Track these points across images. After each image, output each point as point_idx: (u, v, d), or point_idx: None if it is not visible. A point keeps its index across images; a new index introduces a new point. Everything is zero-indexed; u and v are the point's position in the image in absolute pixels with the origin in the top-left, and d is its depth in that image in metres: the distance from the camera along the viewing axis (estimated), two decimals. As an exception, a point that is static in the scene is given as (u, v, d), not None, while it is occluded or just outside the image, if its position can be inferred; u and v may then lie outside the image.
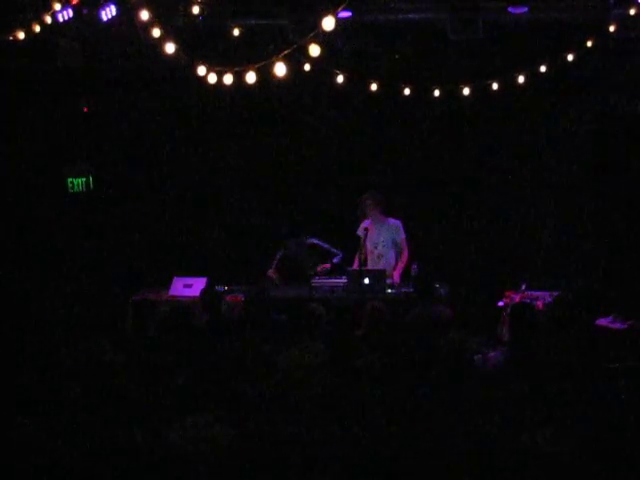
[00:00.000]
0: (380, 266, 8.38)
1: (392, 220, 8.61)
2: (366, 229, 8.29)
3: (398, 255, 8.56)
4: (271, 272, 8.62)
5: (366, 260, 8.23)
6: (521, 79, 8.42)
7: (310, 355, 5.41)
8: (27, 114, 9.71)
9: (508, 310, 7.58)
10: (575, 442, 4.01)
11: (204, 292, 7.38)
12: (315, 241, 8.84)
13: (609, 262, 9.27)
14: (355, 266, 8.44)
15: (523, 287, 8.14)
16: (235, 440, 4.00)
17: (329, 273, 8.68)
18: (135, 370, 5.12)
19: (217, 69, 6.88)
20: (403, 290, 8.08)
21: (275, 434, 4.11)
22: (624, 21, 7.84)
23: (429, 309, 6.86)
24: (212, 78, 6.94)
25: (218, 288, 8.26)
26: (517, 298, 8.02)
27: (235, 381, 4.95)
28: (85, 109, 9.97)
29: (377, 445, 4.04)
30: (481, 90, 8.56)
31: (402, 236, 8.57)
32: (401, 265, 8.52)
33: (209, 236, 10.07)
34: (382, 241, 8.46)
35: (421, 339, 6.19)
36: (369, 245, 8.34)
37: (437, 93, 8.64)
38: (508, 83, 8.46)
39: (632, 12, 7.69)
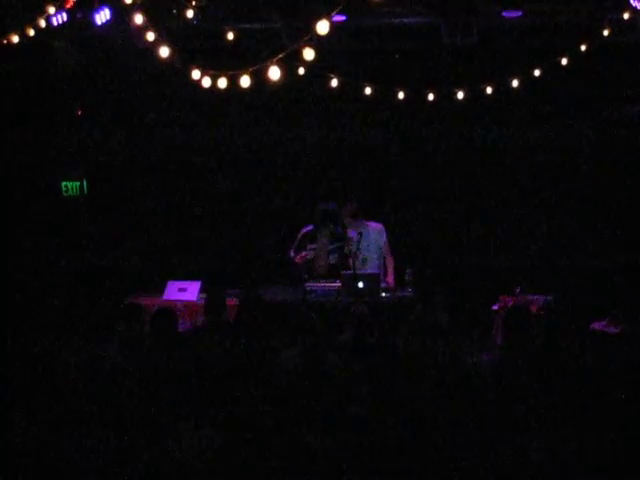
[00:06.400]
0: (366, 270, 8.37)
1: (374, 224, 8.64)
2: (360, 233, 8.30)
3: (382, 259, 8.58)
4: (299, 256, 8.57)
5: (354, 264, 8.21)
6: (515, 83, 8.42)
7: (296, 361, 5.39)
8: (21, 117, 9.69)
9: (502, 313, 7.58)
10: (570, 446, 4.01)
11: (208, 295, 7.28)
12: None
13: (603, 266, 9.29)
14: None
15: (517, 291, 8.14)
16: (229, 446, 3.99)
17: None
18: (127, 375, 5.09)
19: (211, 73, 6.88)
20: (397, 294, 8.09)
21: (268, 440, 4.11)
22: (618, 25, 7.85)
23: (428, 313, 6.86)
24: (206, 82, 6.93)
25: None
26: (511, 302, 8.02)
27: (228, 386, 4.93)
28: (79, 112, 9.95)
29: (369, 450, 4.03)
30: (475, 94, 8.57)
31: (384, 240, 8.61)
32: (392, 269, 8.56)
33: (203, 240, 10.07)
34: (366, 245, 8.46)
35: (417, 342, 6.18)
36: (354, 249, 8.33)
37: (431, 97, 8.64)
38: (502, 87, 8.47)
39: (626, 16, 7.70)
